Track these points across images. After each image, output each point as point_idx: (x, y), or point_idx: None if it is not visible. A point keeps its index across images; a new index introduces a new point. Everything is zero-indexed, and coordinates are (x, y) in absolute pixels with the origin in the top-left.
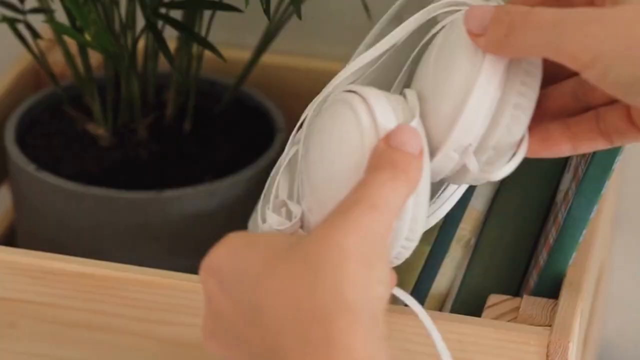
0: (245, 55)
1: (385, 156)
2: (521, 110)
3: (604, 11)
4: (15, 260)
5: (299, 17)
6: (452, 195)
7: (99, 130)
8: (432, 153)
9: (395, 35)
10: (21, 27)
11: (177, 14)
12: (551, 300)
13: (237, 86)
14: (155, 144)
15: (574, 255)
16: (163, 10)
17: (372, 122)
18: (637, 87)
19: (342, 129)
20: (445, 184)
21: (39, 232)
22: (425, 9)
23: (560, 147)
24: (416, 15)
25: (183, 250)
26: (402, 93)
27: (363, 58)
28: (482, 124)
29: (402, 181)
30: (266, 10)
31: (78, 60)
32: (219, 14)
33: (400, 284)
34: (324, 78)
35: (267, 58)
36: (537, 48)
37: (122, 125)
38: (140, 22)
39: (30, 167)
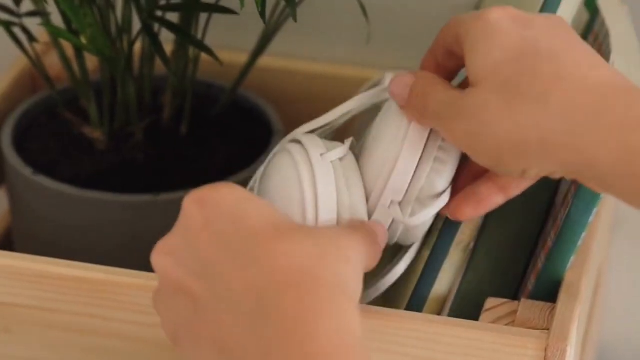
0: (242, 57)
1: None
2: (442, 164)
3: (465, 103)
4: (11, 264)
5: (295, 19)
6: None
7: (96, 134)
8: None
9: (349, 105)
10: (17, 31)
11: (173, 17)
12: (549, 304)
13: (234, 89)
14: (152, 147)
15: (572, 259)
16: (159, 13)
17: (305, 156)
18: (499, 169)
19: (280, 168)
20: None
21: (36, 235)
22: (382, 87)
23: (493, 200)
24: (372, 91)
25: None
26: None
27: (313, 123)
28: (407, 180)
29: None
30: (262, 13)
31: (74, 64)
32: (216, 16)
33: (401, 288)
34: (320, 80)
35: (263, 60)
36: (437, 128)
37: (118, 129)
38: (137, 25)
39: (26, 171)
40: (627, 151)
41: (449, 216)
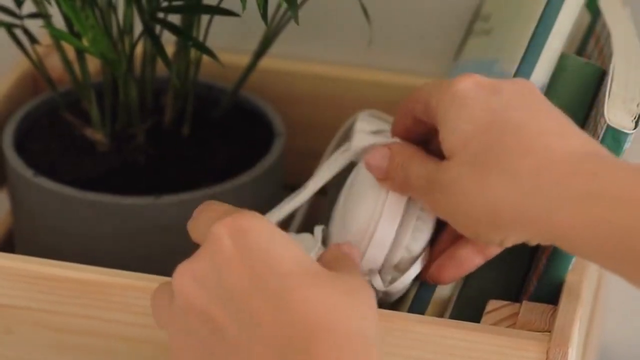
0: (244, 59)
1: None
2: (419, 231)
3: (440, 176)
4: (12, 266)
5: (297, 22)
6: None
7: (97, 136)
8: None
9: (322, 176)
10: (19, 33)
11: (175, 18)
12: (551, 306)
13: (236, 90)
14: (153, 149)
15: (573, 261)
16: (161, 15)
17: None
18: (479, 239)
19: None
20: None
21: (37, 237)
22: (350, 151)
23: (473, 262)
24: (340, 158)
25: (181, 256)
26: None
27: (294, 203)
28: (385, 252)
29: None
30: (264, 16)
31: (76, 65)
32: (217, 18)
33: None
34: (322, 82)
35: (265, 62)
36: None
37: (120, 130)
38: (138, 26)
39: (28, 173)
40: (592, 222)
41: (428, 280)
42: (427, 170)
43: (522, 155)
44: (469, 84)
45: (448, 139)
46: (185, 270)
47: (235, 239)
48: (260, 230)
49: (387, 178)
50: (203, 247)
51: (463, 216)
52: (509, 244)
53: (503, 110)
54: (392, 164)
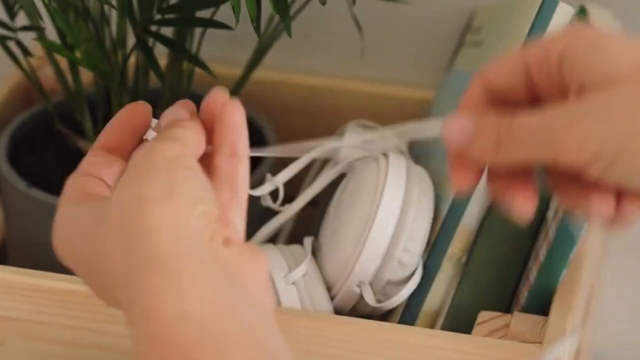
0: (237, 71)
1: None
2: (412, 242)
3: (589, 105)
4: (5, 277)
5: (289, 35)
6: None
7: (90, 147)
8: (337, 288)
9: (310, 192)
10: (12, 45)
11: (167, 30)
12: (542, 317)
13: None
14: None
15: (564, 272)
16: (154, 28)
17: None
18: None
19: None
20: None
21: (30, 249)
22: (338, 166)
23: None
24: (328, 173)
25: None
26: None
27: (283, 215)
28: (378, 261)
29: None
30: (256, 28)
31: (69, 76)
32: (210, 30)
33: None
34: (314, 93)
35: (258, 74)
36: (531, 156)
37: None
38: (131, 39)
39: (21, 184)
40: None
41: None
42: (551, 109)
43: None
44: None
45: (608, 65)
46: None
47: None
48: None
49: (475, 147)
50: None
51: (620, 154)
52: None
53: None
54: (482, 125)
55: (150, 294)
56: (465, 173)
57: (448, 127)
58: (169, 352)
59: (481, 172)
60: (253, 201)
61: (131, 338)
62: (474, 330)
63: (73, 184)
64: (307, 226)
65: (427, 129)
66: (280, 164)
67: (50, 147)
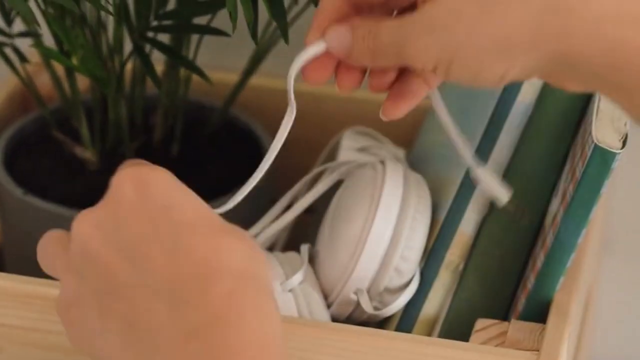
0: (234, 77)
1: None
2: (409, 249)
3: (426, 19)
4: (2, 284)
5: (286, 41)
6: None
7: (87, 154)
8: (334, 295)
9: (307, 199)
10: (8, 51)
11: (164, 37)
12: (539, 325)
13: (225, 109)
14: None
15: (561, 279)
16: (151, 34)
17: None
18: (478, 77)
19: None
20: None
21: (27, 256)
22: (335, 173)
23: (422, 93)
24: (325, 181)
25: None
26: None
27: (280, 222)
28: (375, 268)
29: None
30: (253, 35)
31: (66, 83)
32: (207, 36)
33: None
34: (311, 100)
35: (255, 80)
36: (395, 63)
37: (110, 149)
38: (128, 45)
39: (17, 191)
40: (612, 43)
41: (384, 116)
42: (402, 22)
43: None
44: None
45: None
46: (85, 217)
47: (137, 189)
48: (162, 180)
49: (354, 51)
50: (105, 196)
51: (464, 55)
52: (511, 77)
53: None
54: (356, 35)
55: None
56: (351, 74)
57: (329, 40)
58: None
59: (364, 72)
60: (248, 207)
61: None
62: (471, 338)
63: None
64: (304, 233)
65: (313, 49)
66: (277, 176)
67: (47, 153)
